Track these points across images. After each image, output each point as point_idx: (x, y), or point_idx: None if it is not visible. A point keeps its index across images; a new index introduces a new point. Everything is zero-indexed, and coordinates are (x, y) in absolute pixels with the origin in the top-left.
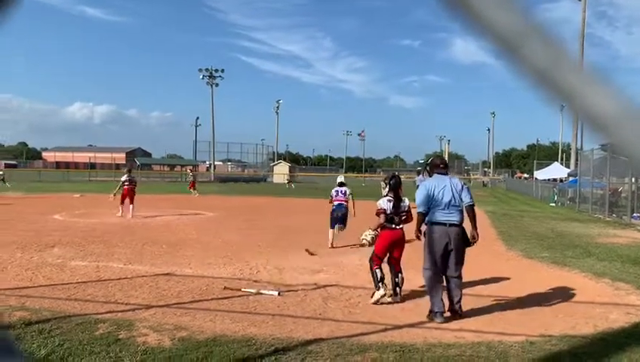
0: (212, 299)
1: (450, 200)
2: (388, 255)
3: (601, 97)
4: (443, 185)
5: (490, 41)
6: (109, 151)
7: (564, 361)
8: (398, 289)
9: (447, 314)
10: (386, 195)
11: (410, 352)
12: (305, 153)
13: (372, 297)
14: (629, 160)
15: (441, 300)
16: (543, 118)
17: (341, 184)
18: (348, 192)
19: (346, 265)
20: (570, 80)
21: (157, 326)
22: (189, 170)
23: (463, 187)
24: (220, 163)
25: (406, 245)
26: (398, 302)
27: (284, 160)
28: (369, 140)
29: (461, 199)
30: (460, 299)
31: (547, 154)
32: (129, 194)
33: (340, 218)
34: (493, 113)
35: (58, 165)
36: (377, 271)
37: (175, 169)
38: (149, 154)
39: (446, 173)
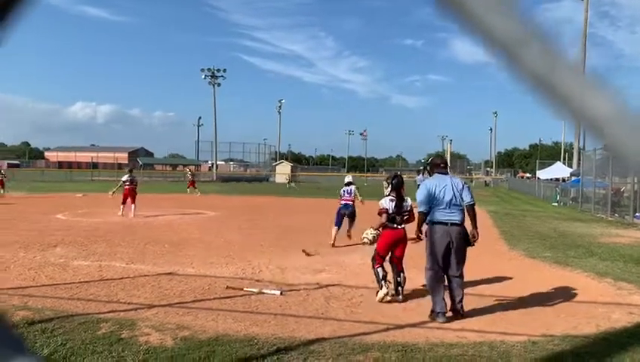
0: (214, 299)
1: (452, 200)
2: (390, 254)
3: (597, 100)
4: (444, 185)
5: (487, 44)
6: (111, 150)
7: (567, 361)
8: (400, 288)
9: (449, 313)
10: (388, 195)
11: (412, 352)
12: (307, 153)
13: (377, 296)
14: (624, 161)
15: (443, 300)
16: (546, 118)
17: (348, 183)
18: (353, 191)
19: (348, 265)
20: (567, 83)
21: (159, 326)
22: (187, 169)
23: (463, 186)
24: (223, 162)
25: (407, 244)
26: (400, 302)
27: (287, 159)
28: (371, 140)
29: (462, 198)
30: (462, 298)
31: (550, 153)
32: (130, 194)
33: (348, 215)
34: (496, 113)
35: (61, 165)
36: (379, 269)
37: (177, 168)
38: (151, 154)
39: (447, 173)
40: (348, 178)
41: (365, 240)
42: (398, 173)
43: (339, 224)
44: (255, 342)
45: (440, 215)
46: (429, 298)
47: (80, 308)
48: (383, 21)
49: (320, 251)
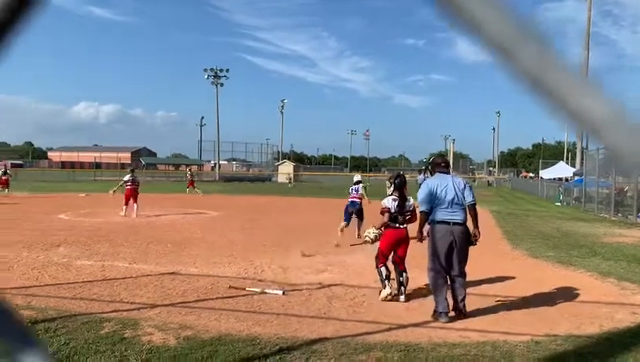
0: (217, 298)
1: (453, 199)
2: (392, 254)
3: (593, 100)
4: (445, 184)
5: (484, 44)
6: (114, 150)
7: (570, 361)
8: (402, 288)
9: (452, 313)
10: (391, 194)
11: (414, 351)
12: (309, 152)
13: (380, 295)
14: (621, 162)
15: (446, 300)
16: (549, 118)
17: (357, 182)
18: (360, 189)
19: (350, 265)
20: (562, 83)
21: (162, 325)
22: (187, 169)
23: (465, 185)
24: (225, 162)
25: (410, 244)
26: (402, 302)
27: (289, 159)
28: (374, 139)
29: (464, 197)
30: (464, 297)
31: (553, 153)
32: (132, 194)
33: (355, 213)
34: (499, 112)
35: (63, 165)
36: (382, 269)
37: (180, 168)
38: (154, 154)
39: (448, 172)
40: (357, 177)
41: (367, 239)
42: (401, 172)
43: (347, 220)
44: (257, 341)
45: (442, 214)
46: (431, 298)
47: (83, 307)
48: (385, 21)
49: (321, 251)
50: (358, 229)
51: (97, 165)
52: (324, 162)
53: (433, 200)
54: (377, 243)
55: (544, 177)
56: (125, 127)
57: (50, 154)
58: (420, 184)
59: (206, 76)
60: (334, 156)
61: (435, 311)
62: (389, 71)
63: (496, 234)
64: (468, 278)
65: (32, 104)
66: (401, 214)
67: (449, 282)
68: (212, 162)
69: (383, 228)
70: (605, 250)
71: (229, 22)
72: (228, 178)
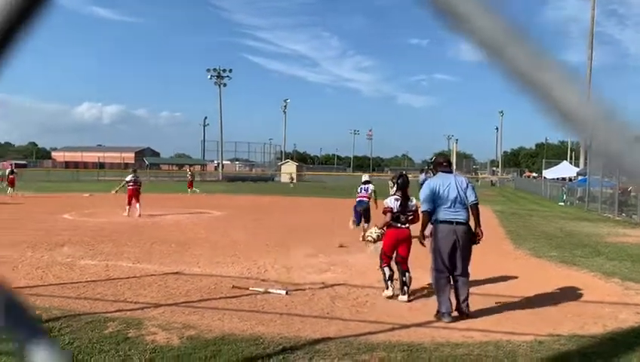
0: (220, 298)
1: (456, 198)
2: (395, 254)
3: (580, 99)
4: (448, 183)
5: (474, 43)
6: (117, 150)
7: (573, 361)
8: (405, 288)
9: (455, 313)
10: (394, 194)
11: (417, 351)
12: (312, 152)
13: (383, 294)
14: (607, 161)
15: (449, 300)
16: (543, 118)
17: (366, 182)
18: (370, 190)
19: (353, 264)
20: (551, 83)
21: (166, 325)
22: (188, 169)
23: (468, 185)
24: (228, 162)
25: (413, 244)
26: (405, 301)
27: (292, 159)
28: (377, 139)
29: (466, 197)
30: (467, 297)
31: (556, 153)
32: (134, 194)
33: (362, 213)
34: (502, 112)
35: (67, 165)
36: (386, 269)
37: (183, 168)
38: (157, 154)
39: (450, 171)
40: (365, 177)
41: (369, 238)
42: (404, 172)
43: (359, 220)
44: (261, 341)
45: (445, 214)
46: (434, 297)
47: (87, 307)
48: (387, 20)
49: (326, 250)
50: (364, 230)
51: (101, 165)
52: (327, 162)
53: (436, 199)
54: (380, 243)
55: (547, 177)
56: (129, 128)
57: (54, 154)
58: (421, 183)
59: (209, 76)
60: (337, 156)
61: (438, 312)
62: (393, 70)
63: (499, 233)
64: (471, 278)
65: (35, 104)
66: (404, 214)
67: (452, 282)
68: (215, 162)
69: (385, 228)
70: (609, 249)
71: (228, 21)
72: (231, 178)
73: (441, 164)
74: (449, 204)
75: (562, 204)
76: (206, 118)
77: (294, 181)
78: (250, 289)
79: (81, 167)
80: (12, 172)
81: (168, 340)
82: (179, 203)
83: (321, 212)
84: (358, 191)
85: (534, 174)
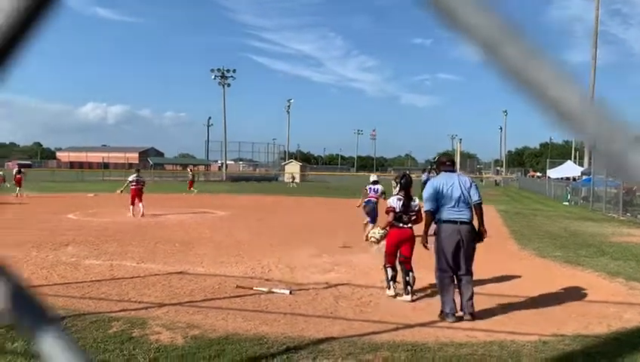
0: (224, 298)
1: (460, 197)
2: (399, 253)
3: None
4: (451, 183)
5: (471, 42)
6: (122, 151)
7: (578, 361)
8: (409, 288)
9: (460, 313)
10: (397, 194)
11: (421, 351)
12: (316, 152)
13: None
14: (608, 161)
15: (453, 300)
16: (538, 116)
17: (374, 182)
18: (380, 190)
19: (357, 264)
20: (546, 82)
21: (170, 325)
22: (189, 169)
23: (471, 184)
24: (232, 162)
25: (416, 244)
26: (409, 301)
27: (296, 159)
28: (380, 139)
29: (470, 196)
30: (472, 296)
31: (560, 152)
32: (137, 194)
33: (369, 213)
34: (506, 111)
35: (72, 165)
36: (389, 269)
37: (187, 168)
38: (161, 154)
39: (454, 171)
40: (373, 177)
41: (372, 239)
42: (407, 172)
43: (373, 220)
44: (265, 340)
45: (449, 213)
46: (438, 297)
47: (91, 306)
48: (391, 20)
49: (330, 250)
50: (366, 230)
51: (105, 165)
52: (331, 162)
53: (439, 199)
54: (384, 243)
55: (552, 176)
56: (133, 128)
57: (58, 154)
58: (423, 183)
59: (213, 77)
60: (341, 156)
61: (441, 312)
62: (396, 70)
63: (503, 233)
64: (475, 278)
65: (40, 104)
66: (406, 214)
67: (456, 282)
68: (219, 162)
69: (388, 228)
70: (613, 249)
71: (234, 22)
72: (235, 178)
73: (444, 163)
74: (453, 204)
75: (566, 203)
76: (210, 118)
77: (295, 180)
78: (254, 288)
79: (85, 167)
80: (19, 171)
81: (172, 340)
82: (183, 203)
83: (324, 212)
84: (367, 191)
85: (538, 174)
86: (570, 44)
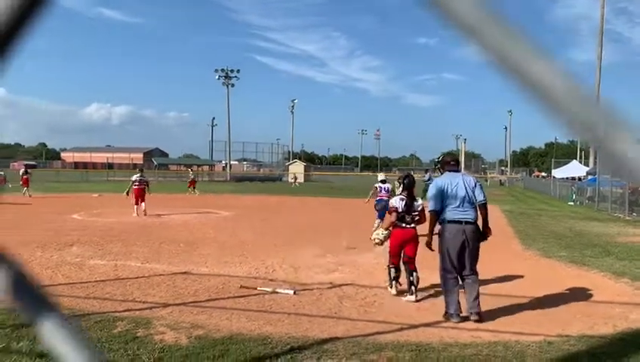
0: (228, 298)
1: (464, 197)
2: (402, 254)
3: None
4: (456, 183)
5: (468, 39)
6: (126, 151)
7: (583, 361)
8: (413, 288)
9: (465, 313)
10: (400, 194)
11: (426, 351)
12: (320, 152)
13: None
14: (612, 162)
15: (457, 301)
16: (535, 114)
17: (383, 181)
18: (390, 189)
19: (361, 264)
20: (545, 78)
21: (174, 325)
22: (189, 169)
23: (476, 184)
24: (236, 162)
25: (420, 244)
26: (413, 301)
27: (300, 159)
28: (384, 139)
29: (474, 196)
30: (478, 296)
31: (565, 152)
32: (139, 194)
33: (381, 211)
34: (510, 111)
35: (76, 165)
36: (392, 269)
37: (192, 168)
38: (166, 155)
39: (458, 170)
40: (381, 176)
41: (376, 240)
42: (410, 173)
43: (382, 218)
44: (269, 341)
45: (453, 213)
46: (442, 298)
47: (96, 306)
48: (395, 20)
49: (334, 251)
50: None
51: (110, 166)
52: (335, 162)
53: (444, 199)
54: (388, 244)
55: (557, 176)
56: (138, 128)
57: (63, 154)
58: (426, 183)
59: (217, 77)
60: (345, 156)
61: (446, 312)
62: (400, 70)
63: (508, 233)
64: (480, 278)
65: (45, 105)
66: (409, 214)
67: (460, 282)
68: (223, 162)
69: (391, 228)
70: (619, 249)
71: (238, 22)
72: (239, 178)
73: (448, 163)
74: (457, 204)
75: (572, 203)
76: (214, 118)
77: (297, 180)
78: (258, 289)
79: (90, 168)
80: (26, 172)
81: (177, 339)
82: (187, 203)
83: (328, 212)
84: (378, 189)
85: (543, 174)
86: (576, 42)
